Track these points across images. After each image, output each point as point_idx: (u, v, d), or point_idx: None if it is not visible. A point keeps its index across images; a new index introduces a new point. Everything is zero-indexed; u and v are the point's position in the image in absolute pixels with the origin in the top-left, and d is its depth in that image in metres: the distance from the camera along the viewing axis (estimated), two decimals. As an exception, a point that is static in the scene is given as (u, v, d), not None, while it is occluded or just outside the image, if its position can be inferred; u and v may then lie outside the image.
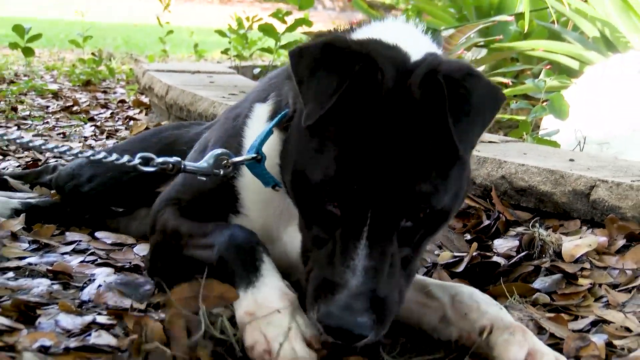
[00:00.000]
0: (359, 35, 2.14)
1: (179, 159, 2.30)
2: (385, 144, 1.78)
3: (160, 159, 2.28)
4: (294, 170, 1.96)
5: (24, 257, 2.62)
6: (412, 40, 2.07)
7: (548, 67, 5.52)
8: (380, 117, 1.80)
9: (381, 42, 2.01)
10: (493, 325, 1.98)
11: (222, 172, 2.25)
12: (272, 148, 2.19)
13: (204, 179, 2.30)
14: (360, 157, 1.77)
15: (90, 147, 5.07)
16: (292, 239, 2.24)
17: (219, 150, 2.28)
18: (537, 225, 2.82)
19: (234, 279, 2.05)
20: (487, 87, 1.85)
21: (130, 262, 2.70)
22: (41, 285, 2.32)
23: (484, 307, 2.06)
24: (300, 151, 1.94)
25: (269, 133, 2.20)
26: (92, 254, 2.73)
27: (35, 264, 2.56)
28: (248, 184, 2.28)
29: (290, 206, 2.14)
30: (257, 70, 8.17)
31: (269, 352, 1.82)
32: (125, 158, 2.30)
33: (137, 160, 2.28)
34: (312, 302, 1.84)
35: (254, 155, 2.21)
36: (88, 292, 2.30)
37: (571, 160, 3.26)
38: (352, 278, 1.75)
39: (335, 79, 1.78)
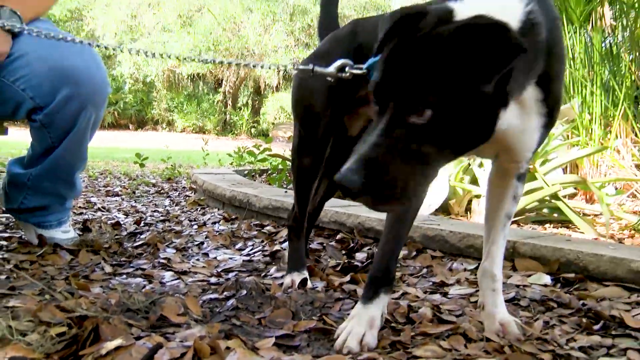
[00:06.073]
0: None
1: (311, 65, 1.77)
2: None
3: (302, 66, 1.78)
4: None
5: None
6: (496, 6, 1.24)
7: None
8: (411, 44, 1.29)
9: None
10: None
11: (343, 75, 1.73)
12: None
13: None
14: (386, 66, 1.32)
15: (168, 212, 4.83)
16: None
17: (340, 61, 1.74)
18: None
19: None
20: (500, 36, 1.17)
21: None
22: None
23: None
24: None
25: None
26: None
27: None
28: None
29: None
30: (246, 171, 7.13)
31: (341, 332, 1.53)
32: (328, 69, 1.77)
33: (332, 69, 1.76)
34: None
35: (366, 70, 1.69)
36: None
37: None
38: (360, 149, 1.27)
39: (388, 23, 1.34)
